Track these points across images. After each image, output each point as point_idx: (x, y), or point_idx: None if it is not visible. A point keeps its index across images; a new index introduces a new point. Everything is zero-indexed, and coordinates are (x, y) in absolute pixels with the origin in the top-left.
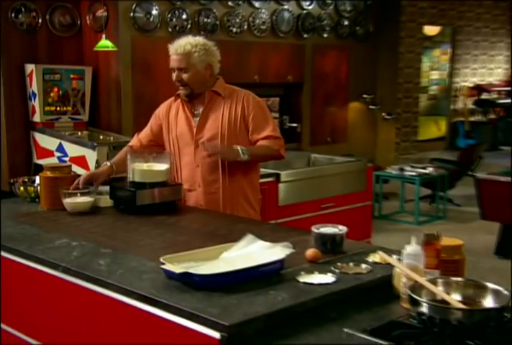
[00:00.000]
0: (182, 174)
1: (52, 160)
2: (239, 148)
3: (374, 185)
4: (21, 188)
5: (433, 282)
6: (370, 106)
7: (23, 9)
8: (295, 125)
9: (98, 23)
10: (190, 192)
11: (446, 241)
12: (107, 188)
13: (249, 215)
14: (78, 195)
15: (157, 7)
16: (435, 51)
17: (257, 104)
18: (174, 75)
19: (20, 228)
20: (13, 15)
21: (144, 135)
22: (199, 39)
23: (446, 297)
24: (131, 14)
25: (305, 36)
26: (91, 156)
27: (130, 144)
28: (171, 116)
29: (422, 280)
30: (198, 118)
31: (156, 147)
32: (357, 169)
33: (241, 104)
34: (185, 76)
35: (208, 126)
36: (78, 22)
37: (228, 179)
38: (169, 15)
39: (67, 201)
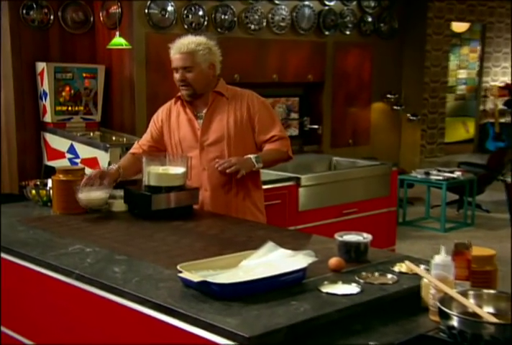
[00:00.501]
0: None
1: (63, 162)
2: (251, 157)
3: (398, 189)
4: (33, 192)
5: (464, 294)
6: (394, 107)
7: (34, 6)
8: (315, 127)
9: (112, 20)
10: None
11: (476, 250)
12: (121, 192)
13: (258, 218)
14: (92, 190)
15: (172, 3)
16: (463, 49)
17: (262, 104)
18: (177, 75)
19: (32, 233)
20: (24, 12)
21: (144, 141)
22: (201, 38)
23: (477, 310)
24: (146, 11)
25: (327, 33)
26: (104, 158)
27: (131, 151)
28: (172, 119)
29: (452, 292)
30: (201, 120)
31: (157, 153)
32: (380, 173)
33: (246, 105)
34: (189, 75)
35: (214, 128)
36: (91, 19)
37: (235, 182)
38: (185, 11)
39: (82, 197)
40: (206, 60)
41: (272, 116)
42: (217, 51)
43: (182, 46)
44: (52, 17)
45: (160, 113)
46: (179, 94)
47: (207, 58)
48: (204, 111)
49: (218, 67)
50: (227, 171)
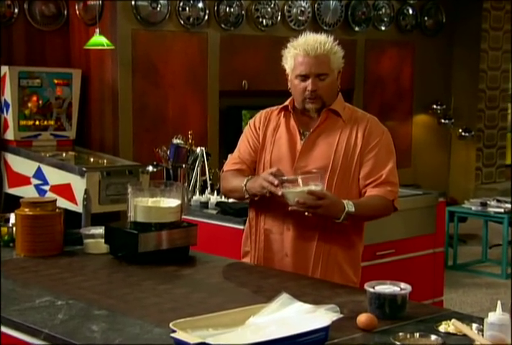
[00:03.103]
0: (268, 212)
1: (28, 189)
2: (345, 202)
3: (447, 225)
4: None
5: None
6: (442, 120)
7: None
8: None
9: (90, 14)
10: (274, 235)
11: None
12: (100, 230)
13: (348, 280)
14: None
15: None
16: None
17: (382, 136)
18: (308, 84)
19: None
20: None
21: (247, 156)
22: (331, 40)
23: None
24: (133, 3)
25: (357, 29)
26: (79, 184)
27: (235, 167)
28: (269, 132)
29: None
30: (304, 141)
31: None
32: (424, 204)
33: (363, 132)
34: (322, 85)
35: (317, 154)
36: (65, 13)
37: (330, 225)
38: (181, 3)
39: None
40: (339, 66)
41: (389, 154)
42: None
43: (314, 45)
44: (16, 11)
45: (258, 119)
46: (287, 103)
47: (339, 63)
48: (311, 130)
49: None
50: (306, 212)
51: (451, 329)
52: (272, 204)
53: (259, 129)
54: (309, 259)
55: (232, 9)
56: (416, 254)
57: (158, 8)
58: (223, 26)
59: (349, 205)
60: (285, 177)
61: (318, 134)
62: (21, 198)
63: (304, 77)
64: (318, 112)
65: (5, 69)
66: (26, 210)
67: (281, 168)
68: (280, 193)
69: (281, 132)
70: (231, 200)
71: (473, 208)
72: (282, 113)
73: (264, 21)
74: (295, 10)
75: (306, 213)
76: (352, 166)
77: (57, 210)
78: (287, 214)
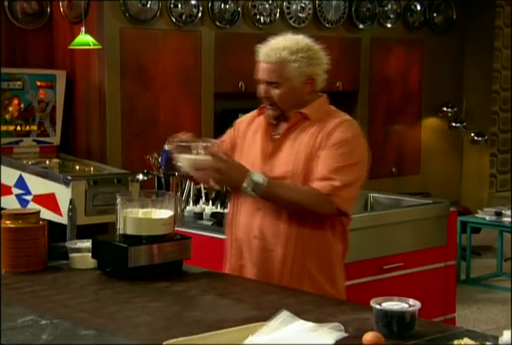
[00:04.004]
0: (238, 219)
1: (9, 200)
2: (254, 176)
3: (459, 236)
4: None
5: None
6: (453, 124)
7: None
8: None
9: (76, 11)
10: (242, 242)
11: None
12: (87, 243)
13: (323, 290)
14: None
15: None
16: None
17: (342, 139)
18: (261, 89)
19: None
20: None
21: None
22: (302, 41)
23: None
24: None
25: (361, 26)
26: (64, 194)
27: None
28: (249, 134)
29: None
30: (272, 145)
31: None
32: (434, 214)
33: (324, 134)
34: (275, 93)
35: (282, 159)
36: (48, 10)
37: (296, 230)
38: (172, 0)
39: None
40: (301, 74)
41: (351, 157)
42: (322, 58)
43: (271, 52)
44: None
45: (243, 120)
46: (263, 105)
47: (304, 71)
48: (280, 134)
49: (322, 80)
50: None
51: None
52: (240, 211)
53: (240, 130)
54: (275, 266)
55: (227, 6)
56: (425, 268)
57: (148, 5)
58: (218, 23)
59: (258, 176)
60: (182, 143)
61: (286, 138)
62: (2, 209)
63: (260, 82)
64: (277, 119)
65: None
66: (8, 222)
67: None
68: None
69: (259, 136)
70: (227, 211)
71: (487, 217)
72: (262, 115)
73: (261, 18)
74: (294, 6)
75: (211, 183)
76: (312, 169)
77: (40, 222)
78: (254, 221)
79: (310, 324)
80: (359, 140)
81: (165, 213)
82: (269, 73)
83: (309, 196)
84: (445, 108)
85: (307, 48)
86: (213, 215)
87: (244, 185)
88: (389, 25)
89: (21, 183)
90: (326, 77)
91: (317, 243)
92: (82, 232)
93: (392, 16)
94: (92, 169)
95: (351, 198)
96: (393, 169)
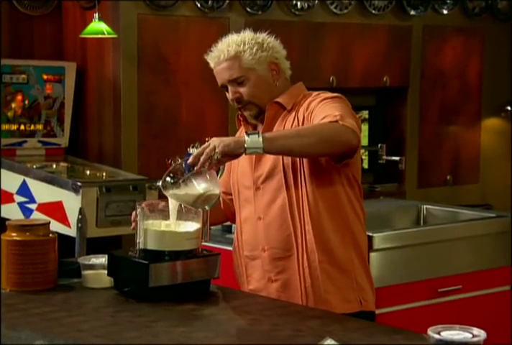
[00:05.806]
0: (242, 234)
1: (11, 208)
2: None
3: None
4: None
5: None
6: None
7: None
8: (395, 158)
9: None
10: (253, 261)
11: None
12: (102, 260)
13: (345, 299)
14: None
15: None
16: None
17: (324, 97)
18: (229, 94)
19: None
20: None
21: (224, 182)
22: (245, 33)
23: None
24: None
25: (413, 13)
26: (72, 202)
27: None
28: None
29: None
30: None
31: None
32: (497, 229)
33: (303, 110)
34: (243, 90)
35: (267, 157)
36: None
37: (309, 232)
38: None
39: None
40: (260, 60)
41: (337, 107)
42: (275, 44)
43: (220, 52)
44: None
45: (238, 127)
46: (239, 113)
47: (261, 57)
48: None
49: (286, 66)
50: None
51: None
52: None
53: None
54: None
55: None
56: (487, 292)
57: None
58: (248, 9)
59: (258, 134)
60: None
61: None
62: (3, 219)
63: (226, 89)
64: (258, 118)
65: None
66: (14, 234)
67: (244, 183)
68: None
69: None
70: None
71: None
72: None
73: (298, 3)
74: None
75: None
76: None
77: (50, 234)
78: (257, 233)
79: None
80: (344, 100)
81: (190, 226)
82: (228, 71)
83: (321, 126)
84: (509, 108)
85: (252, 37)
86: None
87: (251, 141)
88: (445, 11)
89: (24, 190)
90: (289, 66)
91: (335, 234)
92: (92, 246)
93: (448, 1)
94: (104, 174)
95: (358, 126)
96: (448, 177)
